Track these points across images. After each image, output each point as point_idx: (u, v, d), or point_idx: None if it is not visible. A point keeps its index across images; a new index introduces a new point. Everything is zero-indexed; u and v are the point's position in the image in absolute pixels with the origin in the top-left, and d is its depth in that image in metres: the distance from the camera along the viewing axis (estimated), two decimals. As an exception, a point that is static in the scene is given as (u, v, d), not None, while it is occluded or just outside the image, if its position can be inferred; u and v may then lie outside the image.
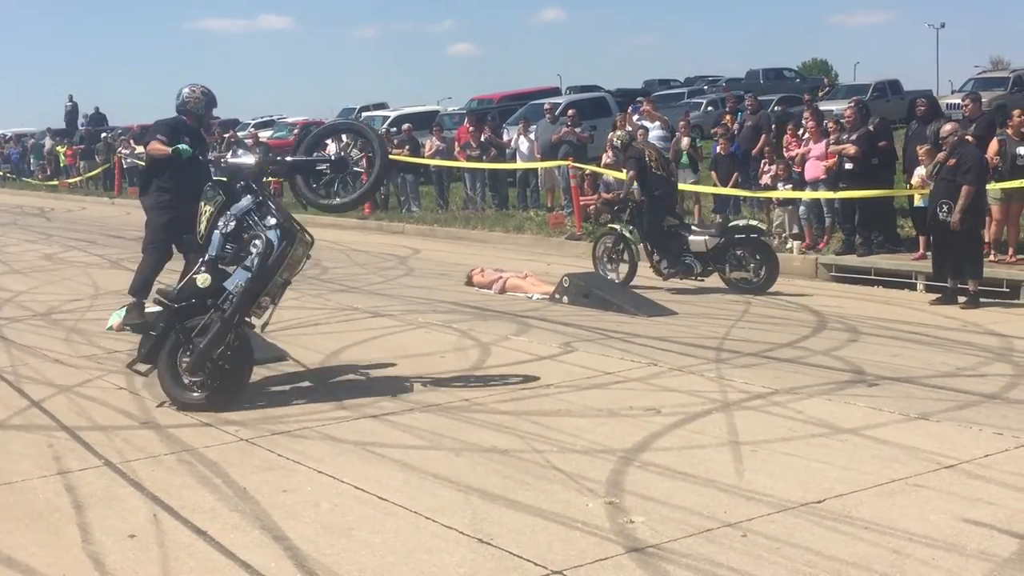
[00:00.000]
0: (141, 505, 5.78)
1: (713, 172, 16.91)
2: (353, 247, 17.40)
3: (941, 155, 11.31)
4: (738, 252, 12.61)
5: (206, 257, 7.75)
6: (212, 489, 6.00)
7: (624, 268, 13.07)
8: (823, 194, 14.17)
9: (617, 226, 13.18)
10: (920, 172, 12.50)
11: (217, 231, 7.72)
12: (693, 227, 13.27)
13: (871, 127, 13.95)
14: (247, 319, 7.91)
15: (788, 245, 14.59)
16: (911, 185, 13.09)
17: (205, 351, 7.49)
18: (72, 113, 43.29)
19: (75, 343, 10.29)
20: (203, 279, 7.67)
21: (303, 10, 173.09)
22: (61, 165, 36.85)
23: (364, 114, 36.65)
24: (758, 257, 12.61)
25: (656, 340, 9.57)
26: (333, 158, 8.12)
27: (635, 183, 13.04)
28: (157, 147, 8.73)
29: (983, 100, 16.20)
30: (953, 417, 6.99)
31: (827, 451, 6.35)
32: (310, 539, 5.21)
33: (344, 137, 8.46)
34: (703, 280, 12.82)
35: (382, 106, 40.57)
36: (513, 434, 6.85)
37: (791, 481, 5.83)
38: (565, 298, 11.78)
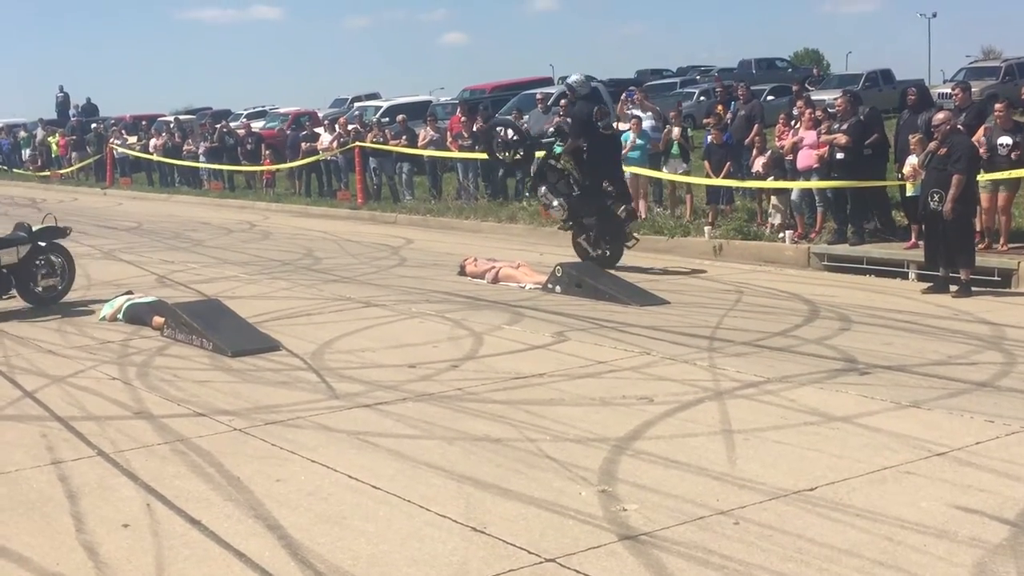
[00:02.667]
0: (135, 495, 5.79)
1: (706, 162, 16.89)
2: (346, 237, 17.38)
3: (933, 144, 11.30)
4: (46, 257, 11.72)
5: None
6: (206, 479, 6.01)
7: None
8: (815, 183, 14.17)
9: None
10: (912, 161, 12.49)
11: None
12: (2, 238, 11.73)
13: (861, 117, 13.94)
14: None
15: (780, 235, 14.60)
16: (902, 175, 13.09)
17: None
18: (63, 104, 43.20)
19: (68, 334, 10.28)
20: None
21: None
22: (53, 156, 36.70)
23: (357, 104, 36.54)
24: (62, 262, 11.87)
25: (649, 329, 9.59)
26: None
27: None
28: None
29: (975, 89, 16.19)
30: (944, 405, 7.01)
31: (819, 439, 6.37)
32: (304, 528, 5.22)
33: None
34: (14, 296, 11.57)
35: (374, 96, 40.48)
36: (506, 423, 6.87)
37: (783, 469, 5.85)
38: (558, 287, 11.79)
